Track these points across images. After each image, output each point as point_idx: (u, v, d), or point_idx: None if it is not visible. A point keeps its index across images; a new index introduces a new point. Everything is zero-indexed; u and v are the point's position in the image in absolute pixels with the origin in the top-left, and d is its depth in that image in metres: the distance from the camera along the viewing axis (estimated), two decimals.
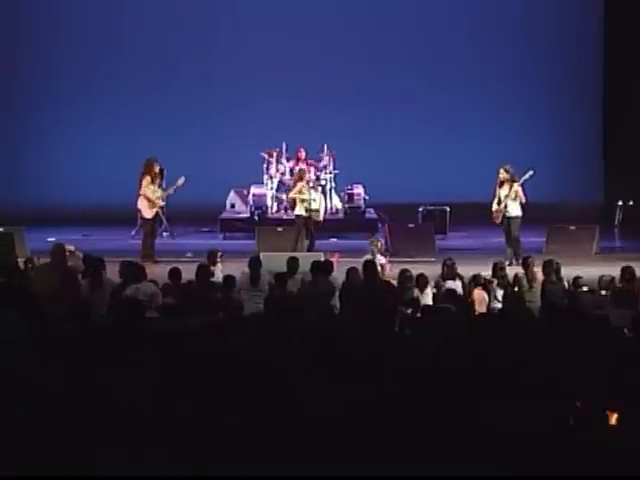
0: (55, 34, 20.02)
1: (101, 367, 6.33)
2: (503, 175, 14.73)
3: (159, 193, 15.15)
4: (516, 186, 14.60)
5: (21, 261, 11.95)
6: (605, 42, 20.09)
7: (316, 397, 5.82)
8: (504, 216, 14.64)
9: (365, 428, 5.57)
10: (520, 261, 12.66)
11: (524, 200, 14.64)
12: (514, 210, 14.64)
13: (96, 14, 20.03)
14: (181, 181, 15.39)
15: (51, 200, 19.22)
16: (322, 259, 12.29)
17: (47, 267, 10.92)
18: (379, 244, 12.81)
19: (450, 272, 11.19)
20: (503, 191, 14.66)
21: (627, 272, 10.83)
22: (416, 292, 10.58)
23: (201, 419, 5.65)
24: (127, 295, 9.89)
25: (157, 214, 15.33)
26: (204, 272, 10.93)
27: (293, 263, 11.16)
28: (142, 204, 15.10)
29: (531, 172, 14.68)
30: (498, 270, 11.18)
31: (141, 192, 15.03)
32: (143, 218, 15.32)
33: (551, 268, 11.02)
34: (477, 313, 9.68)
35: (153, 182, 15.11)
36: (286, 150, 18.09)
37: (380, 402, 5.81)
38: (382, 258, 12.51)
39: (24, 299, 8.63)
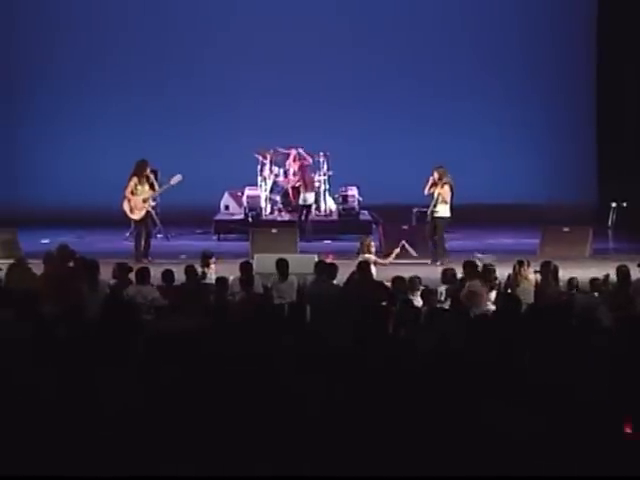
0: (54, 36, 20.00)
1: (93, 367, 6.34)
2: (435, 176, 15.00)
3: (147, 194, 15.05)
4: (443, 188, 14.87)
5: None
6: (598, 42, 20.07)
7: (312, 398, 5.83)
8: (432, 217, 14.97)
9: (359, 428, 5.58)
10: (441, 262, 13.89)
11: (448, 200, 14.93)
12: (442, 211, 14.94)
13: (94, 15, 20.02)
14: (174, 180, 15.38)
15: (45, 201, 19.22)
16: (316, 260, 12.30)
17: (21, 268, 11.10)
18: (367, 243, 12.80)
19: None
20: (435, 192, 14.95)
21: (620, 272, 10.87)
22: (409, 294, 10.57)
23: (193, 419, 5.65)
24: (125, 295, 9.96)
25: (147, 215, 15.16)
26: (193, 273, 10.95)
27: (282, 264, 11.12)
28: (125, 206, 15.04)
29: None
30: (488, 272, 11.17)
31: (125, 194, 14.99)
32: (132, 220, 15.27)
33: (548, 270, 11.03)
34: (473, 314, 9.71)
35: (141, 183, 15.04)
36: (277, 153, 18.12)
37: (373, 402, 5.81)
38: (370, 257, 12.46)
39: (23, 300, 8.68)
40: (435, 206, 14.94)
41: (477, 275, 10.87)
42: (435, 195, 14.95)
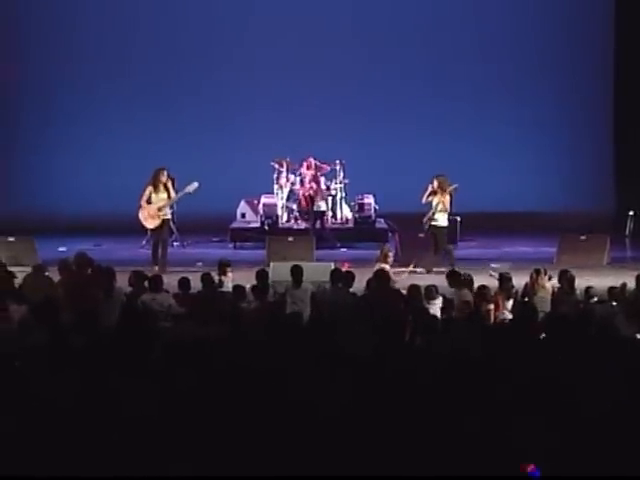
0: (68, 43, 20.08)
1: (110, 375, 6.36)
2: (435, 184, 14.89)
3: (162, 203, 14.97)
4: (444, 197, 14.77)
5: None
6: (615, 47, 19.93)
7: (327, 405, 5.83)
8: (431, 225, 14.87)
9: (374, 436, 5.57)
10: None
11: (448, 209, 14.87)
12: (441, 220, 14.86)
13: (108, 23, 20.09)
14: (191, 188, 15.29)
15: (63, 209, 19.30)
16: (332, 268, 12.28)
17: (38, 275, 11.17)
18: (385, 252, 12.74)
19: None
20: (434, 200, 14.85)
21: (639, 280, 10.82)
22: (425, 303, 10.56)
23: (209, 426, 5.65)
24: (140, 303, 9.99)
25: (164, 224, 15.05)
26: (209, 281, 10.97)
27: (297, 271, 11.10)
28: (140, 215, 15.02)
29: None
30: (505, 281, 11.14)
31: (140, 202, 14.97)
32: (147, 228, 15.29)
33: (565, 278, 11.01)
34: (488, 322, 9.71)
35: (157, 192, 15.00)
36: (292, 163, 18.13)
37: (389, 410, 5.80)
38: (385, 266, 12.40)
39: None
40: (434, 214, 14.86)
41: (462, 284, 10.87)
42: (434, 204, 14.87)
